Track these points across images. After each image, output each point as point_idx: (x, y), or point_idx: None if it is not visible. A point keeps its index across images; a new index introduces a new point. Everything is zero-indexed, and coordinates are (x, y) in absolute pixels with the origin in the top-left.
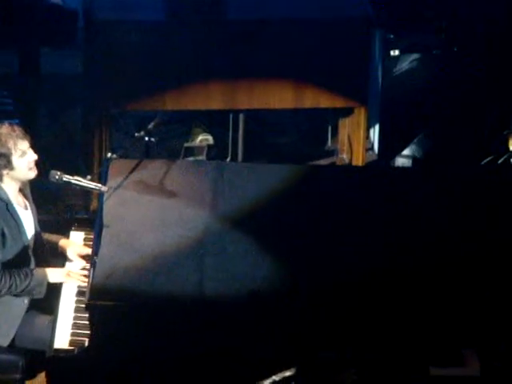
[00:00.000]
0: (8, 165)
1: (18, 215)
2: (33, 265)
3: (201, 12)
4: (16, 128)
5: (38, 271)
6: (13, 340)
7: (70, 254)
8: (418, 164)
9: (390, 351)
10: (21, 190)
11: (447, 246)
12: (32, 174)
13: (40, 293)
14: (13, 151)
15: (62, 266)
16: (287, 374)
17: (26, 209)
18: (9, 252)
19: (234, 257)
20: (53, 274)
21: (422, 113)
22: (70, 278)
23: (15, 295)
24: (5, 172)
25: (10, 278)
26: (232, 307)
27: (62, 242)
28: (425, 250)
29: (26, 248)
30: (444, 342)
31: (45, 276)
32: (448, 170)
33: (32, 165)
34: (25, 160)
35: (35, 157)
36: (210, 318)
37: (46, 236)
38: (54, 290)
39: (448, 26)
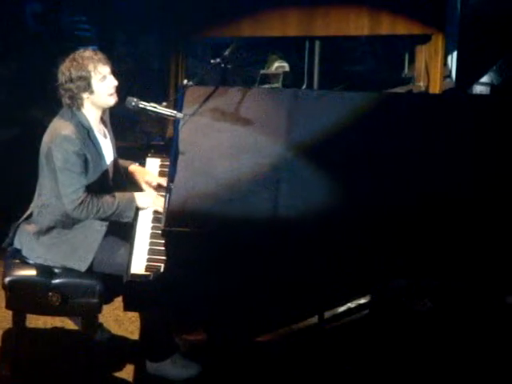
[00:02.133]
0: (88, 88)
1: (98, 142)
2: (112, 192)
3: None
4: (98, 53)
5: (125, 195)
6: (91, 265)
7: (142, 182)
8: (497, 92)
9: (464, 279)
10: (101, 119)
11: None
12: (112, 100)
13: (129, 217)
14: (92, 74)
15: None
16: (362, 301)
17: (106, 137)
18: (90, 179)
19: (308, 184)
20: (140, 199)
21: (501, 39)
22: (156, 204)
23: (104, 219)
24: (85, 96)
25: (98, 203)
26: (306, 234)
27: (133, 168)
28: (502, 179)
29: (105, 175)
30: None
31: (132, 200)
32: None
33: (112, 90)
34: (104, 85)
35: (116, 83)
36: (285, 245)
37: (120, 162)
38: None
39: None
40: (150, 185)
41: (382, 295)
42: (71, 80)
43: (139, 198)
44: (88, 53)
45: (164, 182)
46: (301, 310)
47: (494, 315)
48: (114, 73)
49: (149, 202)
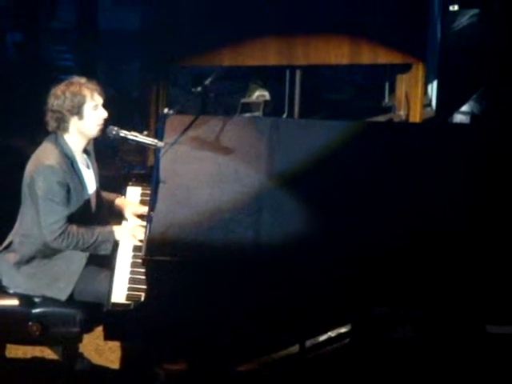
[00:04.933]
0: (78, 113)
1: (81, 173)
2: (94, 224)
3: None
4: (95, 83)
5: (104, 228)
6: (71, 295)
7: (126, 213)
8: (477, 120)
9: (445, 308)
10: (85, 149)
11: (506, 202)
12: (98, 131)
13: (106, 249)
14: (87, 99)
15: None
16: (343, 330)
17: (89, 168)
18: (72, 209)
19: (289, 213)
20: (119, 232)
21: (481, 69)
22: (135, 237)
23: (82, 251)
24: (73, 120)
25: (78, 234)
26: (287, 262)
27: (119, 200)
28: (484, 206)
29: (88, 206)
30: (502, 299)
31: (112, 233)
32: (507, 127)
33: (101, 122)
34: (95, 114)
35: (106, 115)
36: (266, 274)
37: (104, 195)
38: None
39: None
40: (134, 215)
41: (362, 324)
42: (64, 101)
43: (118, 232)
44: (84, 80)
45: (146, 210)
46: (282, 339)
47: (475, 344)
48: (105, 107)
49: (127, 235)
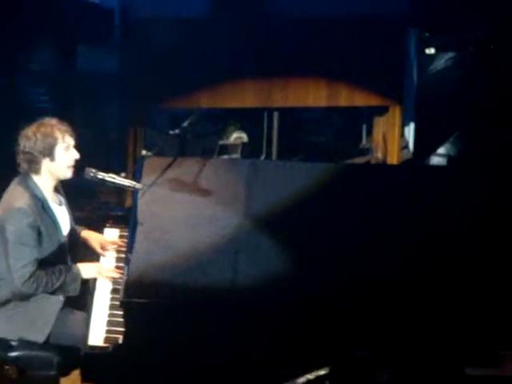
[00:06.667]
0: (50, 155)
1: (53, 213)
2: (68, 261)
3: (240, 10)
4: (65, 123)
5: (71, 267)
6: (48, 337)
7: (94, 244)
8: (454, 163)
9: (424, 350)
10: (55, 187)
11: (483, 244)
12: (69, 173)
13: (75, 289)
14: (59, 141)
15: (97, 260)
16: (321, 372)
17: (61, 205)
18: (45, 250)
19: (266, 254)
20: (86, 270)
21: (458, 111)
22: (102, 274)
23: (51, 293)
24: (45, 162)
25: (46, 275)
26: (265, 304)
27: (84, 233)
28: (460, 249)
29: (61, 245)
30: (481, 342)
31: (78, 272)
32: (483, 169)
33: (72, 163)
34: (67, 155)
35: (77, 156)
36: (244, 315)
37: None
38: (89, 287)
39: (484, 23)
40: (103, 248)
41: (341, 366)
42: (35, 143)
43: (84, 269)
44: (55, 121)
45: (118, 242)
46: (259, 382)
47: None
48: (76, 147)
49: (93, 272)
